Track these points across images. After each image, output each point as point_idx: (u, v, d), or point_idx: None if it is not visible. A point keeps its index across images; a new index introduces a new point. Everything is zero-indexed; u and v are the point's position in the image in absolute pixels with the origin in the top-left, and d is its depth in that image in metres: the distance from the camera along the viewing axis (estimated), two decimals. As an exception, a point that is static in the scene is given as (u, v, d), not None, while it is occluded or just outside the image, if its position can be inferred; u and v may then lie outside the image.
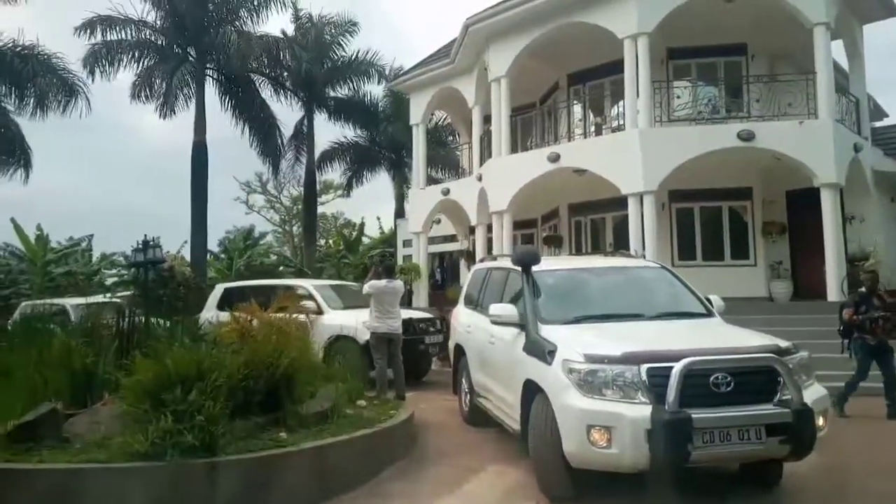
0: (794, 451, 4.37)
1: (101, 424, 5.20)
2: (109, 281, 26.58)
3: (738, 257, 15.10)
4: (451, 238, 22.05)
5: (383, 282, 9.18)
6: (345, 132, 27.80)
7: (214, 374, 5.05)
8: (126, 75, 23.22)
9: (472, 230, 18.90)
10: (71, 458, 4.69)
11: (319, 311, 11.27)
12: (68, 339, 6.31)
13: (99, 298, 11.40)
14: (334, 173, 29.83)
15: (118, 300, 11.02)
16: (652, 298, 6.07)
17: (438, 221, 21.35)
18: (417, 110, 20.31)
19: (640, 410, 4.29)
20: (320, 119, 26.47)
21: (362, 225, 36.84)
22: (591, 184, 14.53)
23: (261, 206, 41.50)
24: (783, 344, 4.81)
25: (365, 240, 36.49)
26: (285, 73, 24.95)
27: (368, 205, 53.44)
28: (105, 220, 44.05)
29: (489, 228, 17.09)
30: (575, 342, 4.93)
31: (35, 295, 19.63)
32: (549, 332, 5.31)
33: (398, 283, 9.57)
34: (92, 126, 34.69)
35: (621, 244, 13.37)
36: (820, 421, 4.51)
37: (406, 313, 11.60)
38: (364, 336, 9.69)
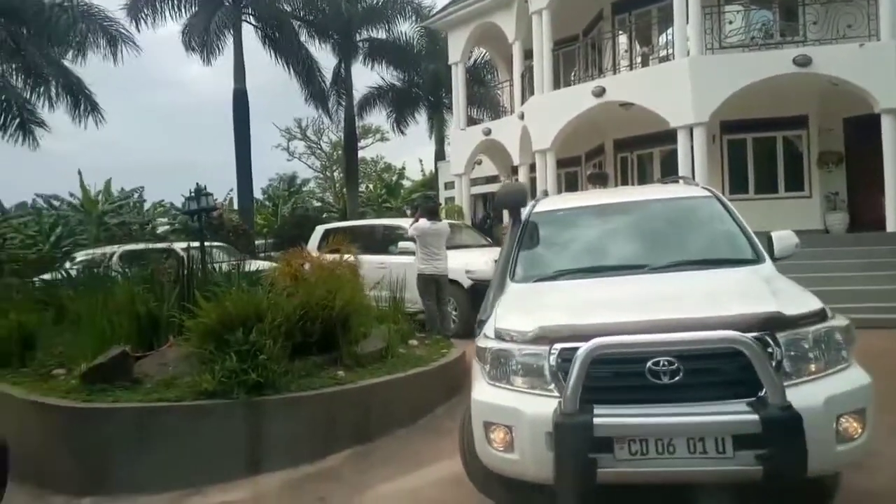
0: (768, 473, 2.93)
1: (169, 366, 5.38)
2: (161, 229, 27.30)
3: (792, 189, 14.62)
4: (494, 179, 21.87)
5: (427, 223, 9.21)
6: (382, 75, 27.49)
7: (273, 316, 5.20)
8: (167, 28, 23.30)
9: (514, 170, 18.67)
10: (143, 397, 4.89)
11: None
12: (130, 286, 6.51)
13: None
14: (374, 118, 29.73)
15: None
16: (676, 241, 4.62)
17: (480, 162, 21.16)
18: (456, 48, 19.86)
19: (544, 406, 3.19)
20: (357, 64, 26.24)
21: (402, 169, 36.88)
22: (637, 118, 14.13)
23: (301, 153, 41.77)
24: (792, 310, 3.30)
25: (406, 183, 36.60)
26: (318, 16, 24.66)
27: (408, 147, 53.32)
28: (149, 172, 44.99)
29: (532, 168, 16.85)
30: (511, 310, 3.84)
31: (91, 244, 20.28)
32: (510, 293, 4.28)
33: (443, 225, 9.58)
34: (134, 80, 35.05)
35: (669, 179, 13.05)
36: (837, 426, 3.09)
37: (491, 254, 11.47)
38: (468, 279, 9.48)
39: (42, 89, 20.14)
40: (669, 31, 14.45)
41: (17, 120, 18.57)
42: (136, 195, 29.64)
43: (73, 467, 4.69)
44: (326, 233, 12.72)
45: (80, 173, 26.48)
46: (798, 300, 3.54)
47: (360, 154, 35.47)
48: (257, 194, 31.88)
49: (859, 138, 13.78)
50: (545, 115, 15.65)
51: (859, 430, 3.16)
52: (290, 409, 4.99)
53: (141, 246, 12.19)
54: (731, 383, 3.08)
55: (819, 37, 13.26)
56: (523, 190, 5.30)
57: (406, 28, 25.75)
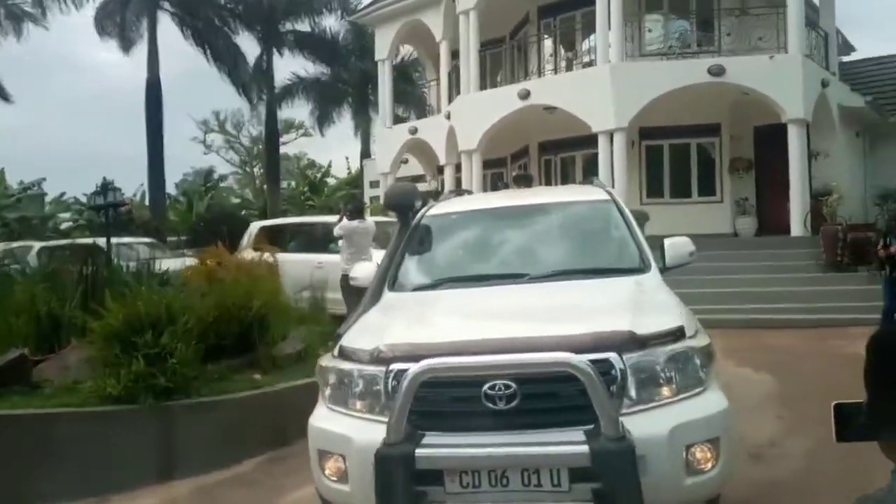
0: None
1: (71, 369, 5.16)
2: (64, 225, 25.87)
3: (705, 194, 15.28)
4: (420, 178, 21.83)
5: (354, 222, 9.09)
6: (307, 69, 26.98)
7: (185, 317, 5.02)
8: (78, 11, 22.17)
9: (440, 170, 18.71)
10: (43, 402, 4.68)
11: None
12: (30, 285, 6.16)
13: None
14: (296, 111, 29.17)
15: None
16: (563, 248, 4.44)
17: (406, 161, 21.08)
18: (383, 45, 19.70)
19: (377, 434, 2.88)
20: (283, 57, 25.72)
21: (329, 167, 36.32)
22: (561, 121, 14.41)
23: (219, 147, 40.48)
24: (645, 329, 2.99)
25: (330, 181, 36.06)
26: (240, 6, 24.01)
27: (333, 144, 52.34)
28: (57, 161, 42.45)
29: (458, 168, 16.94)
30: (365, 325, 3.60)
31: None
32: (382, 303, 4.00)
33: (370, 223, 9.46)
34: (42, 64, 33.11)
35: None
36: (687, 457, 2.85)
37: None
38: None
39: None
40: (592, 37, 14.80)
41: None
42: (35, 188, 27.95)
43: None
44: (262, 230, 12.33)
45: (-21, 164, 24.87)
46: (659, 316, 3.19)
47: (283, 150, 34.77)
48: (171, 189, 30.74)
49: (768, 146, 14.53)
50: (471, 115, 15.76)
51: (712, 462, 2.89)
52: (202, 414, 4.86)
53: (62, 242, 11.53)
54: (571, 409, 2.81)
55: (733, 48, 13.91)
56: (411, 191, 4.97)
57: (332, 22, 25.42)
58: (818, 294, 10.86)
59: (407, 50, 24.93)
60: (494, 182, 16.26)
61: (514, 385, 2.81)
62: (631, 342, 2.91)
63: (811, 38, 14.26)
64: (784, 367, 7.56)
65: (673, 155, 15.40)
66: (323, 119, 27.89)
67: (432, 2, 17.49)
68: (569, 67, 16.42)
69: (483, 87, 16.24)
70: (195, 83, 42.20)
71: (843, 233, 11.66)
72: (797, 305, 10.46)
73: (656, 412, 2.89)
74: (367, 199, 22.24)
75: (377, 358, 3.06)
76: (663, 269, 4.08)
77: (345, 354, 3.26)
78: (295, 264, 9.20)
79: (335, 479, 3.09)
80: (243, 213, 29.05)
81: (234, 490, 4.52)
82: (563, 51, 17.15)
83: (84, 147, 54.82)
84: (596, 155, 13.71)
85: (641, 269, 3.99)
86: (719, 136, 15.17)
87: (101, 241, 10.29)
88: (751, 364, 7.71)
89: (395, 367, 2.97)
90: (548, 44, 17.08)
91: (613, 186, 13.10)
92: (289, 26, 25.24)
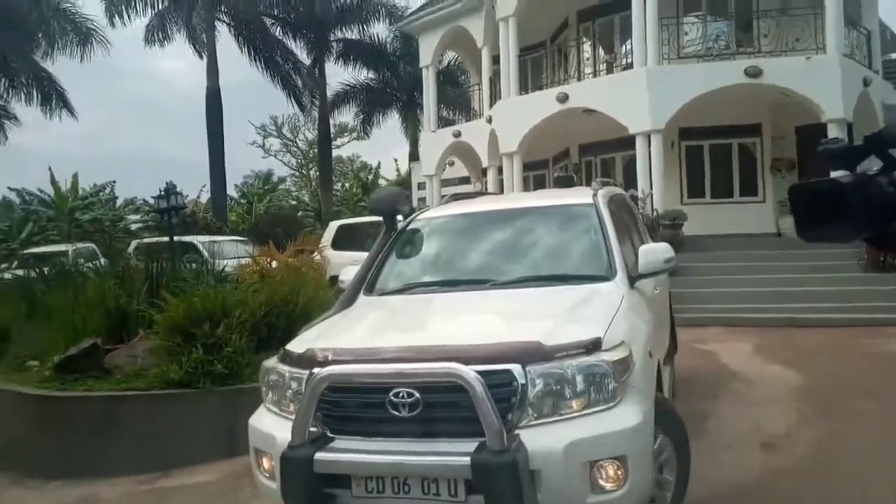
0: None
1: (138, 357, 5.67)
2: (134, 227, 27.24)
3: (746, 194, 15.25)
4: (465, 180, 22.24)
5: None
6: (356, 75, 27.77)
7: (238, 311, 5.51)
8: (142, 21, 23.57)
9: (484, 172, 19.09)
10: (113, 386, 5.20)
11: None
12: (102, 281, 6.76)
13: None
14: (347, 116, 29.98)
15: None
16: (533, 254, 4.41)
17: (452, 163, 21.52)
18: (427, 51, 20.17)
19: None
20: (330, 63, 26.52)
21: (378, 168, 37.12)
22: (600, 124, 14.56)
23: (277, 150, 41.76)
24: (555, 340, 2.93)
25: (381, 182, 36.86)
26: (292, 15, 24.90)
27: (385, 147, 53.22)
28: (123, 166, 44.58)
29: (501, 170, 17.25)
30: (316, 328, 3.75)
31: (63, 241, 20.28)
32: (355, 306, 4.14)
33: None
34: (107, 73, 34.80)
35: (630, 184, 13.53)
36: (591, 474, 2.77)
37: None
38: None
39: (10, 83, 20.26)
40: (630, 40, 14.95)
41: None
42: (107, 189, 29.51)
43: (47, 453, 4.98)
44: (340, 228, 13.12)
45: (50, 169, 26.35)
46: (582, 327, 3.08)
47: (337, 152, 35.75)
48: (231, 191, 31.95)
49: (810, 146, 14.37)
50: (511, 119, 16.05)
51: (618, 480, 2.78)
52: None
53: (155, 239, 12.31)
54: (471, 420, 2.74)
55: (771, 49, 13.86)
56: (396, 195, 5.07)
57: (380, 29, 26.11)
58: (858, 294, 10.82)
59: (453, 55, 25.45)
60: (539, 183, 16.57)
61: (416, 393, 2.84)
62: (536, 353, 2.87)
63: (852, 37, 14.08)
64: (812, 365, 7.70)
65: (713, 155, 15.42)
66: (369, 122, 28.66)
67: (473, 9, 17.85)
68: (609, 70, 16.56)
69: (524, 90, 16.51)
70: (256, 87, 43.63)
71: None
72: (836, 305, 10.45)
73: (558, 426, 2.83)
74: (415, 201, 22.80)
75: (304, 361, 3.17)
76: (637, 277, 4.01)
77: (283, 356, 3.37)
78: None
79: (268, 475, 3.21)
80: (299, 214, 30.03)
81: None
82: (602, 53, 17.31)
83: (152, 150, 57.25)
84: (636, 156, 13.88)
85: (607, 276, 3.91)
86: (760, 137, 15.12)
87: (193, 239, 10.93)
88: (781, 361, 7.86)
89: (316, 371, 3.03)
90: (587, 47, 17.23)
91: (651, 188, 13.31)
92: (339, 34, 26.03)
